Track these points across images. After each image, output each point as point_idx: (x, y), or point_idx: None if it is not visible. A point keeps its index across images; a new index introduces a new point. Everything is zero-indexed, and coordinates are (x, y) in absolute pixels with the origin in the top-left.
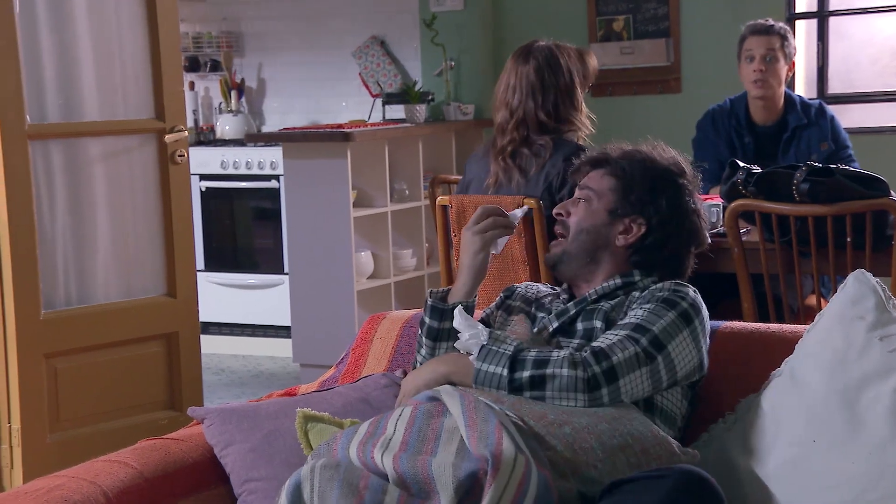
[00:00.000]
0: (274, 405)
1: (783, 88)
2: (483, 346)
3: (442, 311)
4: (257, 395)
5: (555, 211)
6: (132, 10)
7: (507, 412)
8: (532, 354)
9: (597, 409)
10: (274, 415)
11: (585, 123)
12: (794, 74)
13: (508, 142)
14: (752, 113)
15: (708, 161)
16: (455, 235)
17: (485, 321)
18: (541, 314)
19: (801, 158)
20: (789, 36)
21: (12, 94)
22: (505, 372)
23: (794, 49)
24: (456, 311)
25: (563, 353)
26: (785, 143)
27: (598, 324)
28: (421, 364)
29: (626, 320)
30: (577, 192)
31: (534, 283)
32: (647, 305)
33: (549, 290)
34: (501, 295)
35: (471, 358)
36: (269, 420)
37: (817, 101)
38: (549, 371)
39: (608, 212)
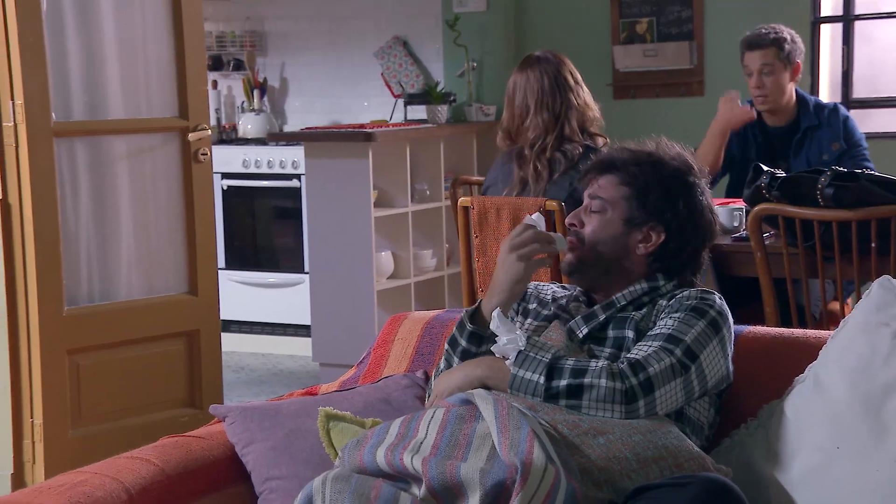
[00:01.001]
0: (295, 404)
1: (790, 94)
2: (520, 352)
3: (481, 338)
4: (277, 393)
5: (567, 221)
6: (157, 10)
7: (541, 420)
8: (570, 363)
9: (631, 421)
10: (295, 414)
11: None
12: (814, 76)
13: (542, 145)
14: (764, 116)
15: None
16: (476, 237)
17: None
18: (564, 316)
19: (812, 159)
20: (785, 42)
21: (38, 92)
22: (542, 379)
23: (798, 50)
24: (494, 314)
25: (601, 363)
26: (796, 144)
27: (629, 333)
28: (444, 369)
29: (658, 330)
30: (588, 201)
31: (545, 283)
32: (677, 315)
33: (563, 290)
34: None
35: (507, 363)
36: (291, 419)
37: (832, 102)
38: (586, 381)
39: (624, 221)
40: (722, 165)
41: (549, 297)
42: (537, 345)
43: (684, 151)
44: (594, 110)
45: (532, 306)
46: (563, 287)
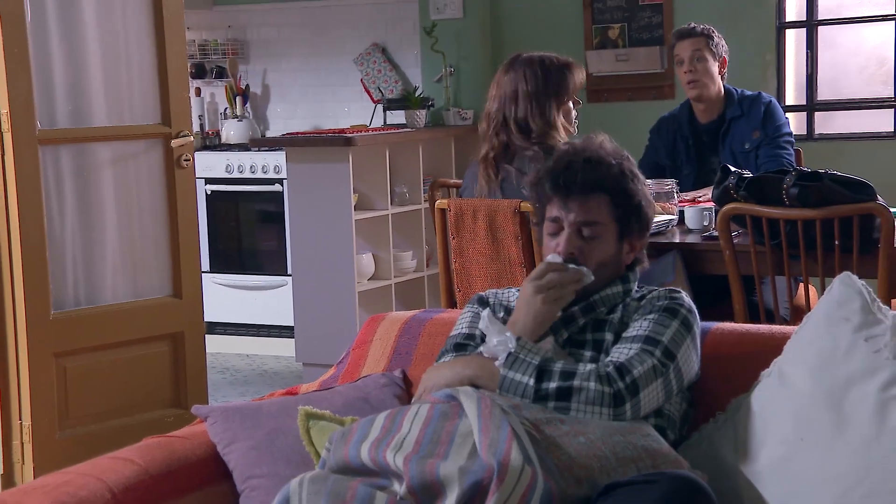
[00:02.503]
0: (276, 404)
1: (719, 86)
2: (510, 354)
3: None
4: (261, 393)
5: (564, 251)
6: (140, 18)
7: (523, 419)
8: (559, 366)
9: (611, 423)
10: (276, 413)
11: (561, 134)
12: (780, 79)
13: (490, 148)
14: (696, 114)
15: (645, 163)
16: (454, 238)
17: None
18: None
19: (735, 149)
20: (714, 35)
21: (23, 100)
22: (531, 381)
23: (724, 48)
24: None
25: (589, 366)
26: (722, 137)
27: (608, 336)
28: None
29: (635, 332)
30: (576, 227)
31: (503, 290)
32: (651, 316)
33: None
34: (473, 307)
35: (496, 363)
36: (271, 418)
37: (757, 92)
38: (575, 384)
39: (617, 239)
40: (648, 175)
41: (513, 303)
42: (526, 346)
43: (621, 150)
44: (560, 131)
45: (500, 315)
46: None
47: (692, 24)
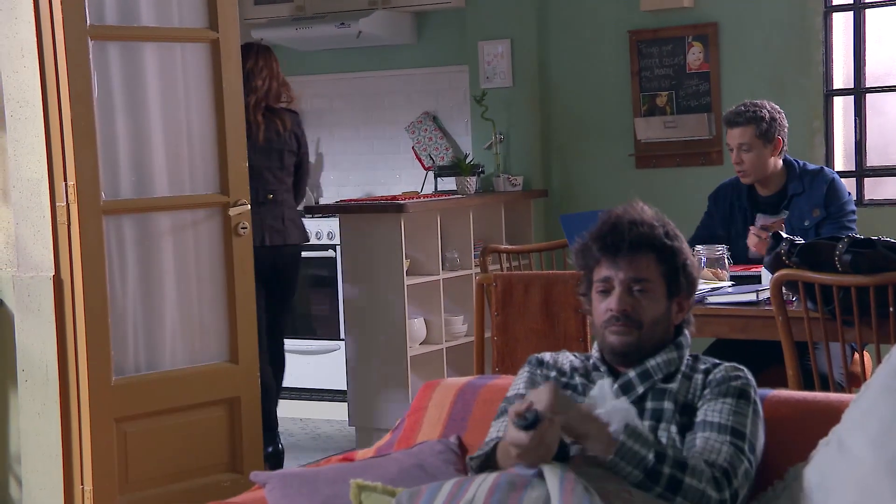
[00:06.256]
0: (332, 471)
1: (774, 166)
2: (629, 425)
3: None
4: (315, 457)
5: (617, 308)
6: (201, 92)
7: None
8: (670, 452)
9: None
10: (332, 480)
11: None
12: (829, 146)
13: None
14: (756, 187)
15: (703, 231)
16: (497, 314)
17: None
18: (591, 386)
19: (795, 225)
20: (763, 121)
21: (89, 173)
22: (651, 456)
23: (779, 126)
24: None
25: (699, 463)
26: (782, 212)
27: (667, 405)
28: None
29: (716, 418)
30: (626, 284)
31: (558, 353)
32: (728, 400)
33: (578, 359)
34: (529, 368)
35: (612, 429)
36: (328, 485)
37: (819, 167)
38: (687, 480)
39: (666, 298)
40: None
41: (567, 366)
42: (640, 426)
43: (658, 211)
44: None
45: (552, 374)
46: (576, 355)
47: (740, 108)
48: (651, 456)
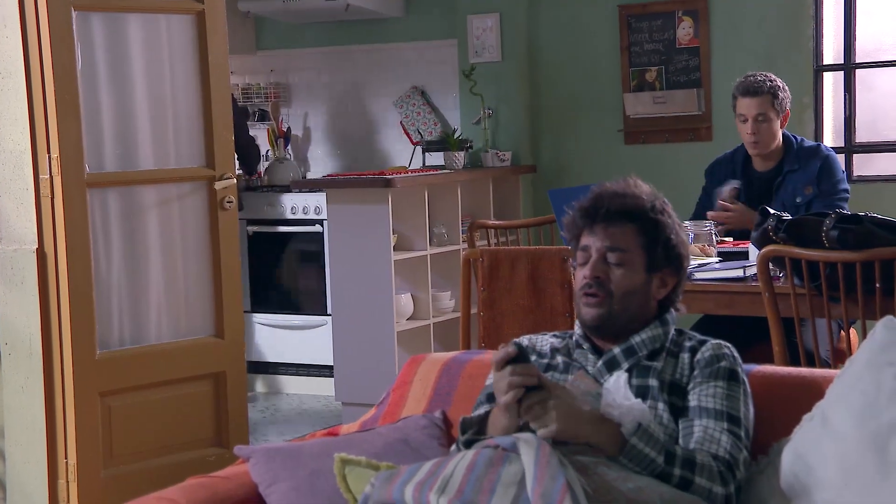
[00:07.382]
0: (317, 445)
1: (779, 139)
2: (641, 425)
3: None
4: (301, 432)
5: (590, 275)
6: (186, 65)
7: (573, 459)
8: (679, 451)
9: (662, 483)
10: (317, 455)
11: None
12: (818, 122)
13: None
14: (753, 161)
15: (701, 206)
16: (483, 289)
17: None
18: (575, 364)
19: (787, 201)
20: (779, 90)
21: (73, 146)
22: (661, 459)
23: (788, 98)
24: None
25: (705, 458)
26: (776, 188)
27: (652, 382)
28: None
29: (710, 404)
30: (602, 252)
31: (537, 335)
32: (720, 383)
33: (557, 339)
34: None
35: (624, 429)
36: (312, 459)
37: (817, 143)
38: (696, 480)
39: (644, 271)
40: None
41: (546, 348)
42: (653, 423)
43: (652, 189)
44: None
45: (532, 359)
46: (555, 335)
47: (757, 77)
48: (661, 459)
